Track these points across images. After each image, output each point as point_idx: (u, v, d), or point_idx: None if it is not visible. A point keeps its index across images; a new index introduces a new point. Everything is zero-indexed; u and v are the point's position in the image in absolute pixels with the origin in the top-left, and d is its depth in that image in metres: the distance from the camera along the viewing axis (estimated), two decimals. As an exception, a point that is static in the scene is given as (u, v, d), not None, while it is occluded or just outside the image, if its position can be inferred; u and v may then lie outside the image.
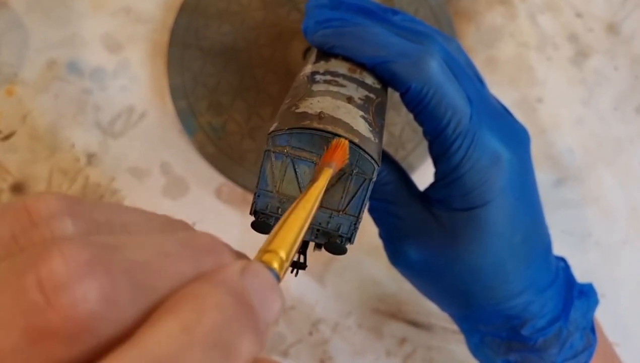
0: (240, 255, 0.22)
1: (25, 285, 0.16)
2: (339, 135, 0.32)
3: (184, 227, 0.22)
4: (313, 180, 0.28)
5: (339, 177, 0.33)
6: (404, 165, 0.54)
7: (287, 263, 0.22)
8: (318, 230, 0.35)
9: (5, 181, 0.54)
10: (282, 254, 0.22)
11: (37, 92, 0.55)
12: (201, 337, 0.17)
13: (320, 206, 0.33)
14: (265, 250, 0.22)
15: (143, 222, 0.21)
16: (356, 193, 0.34)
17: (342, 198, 0.34)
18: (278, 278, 0.21)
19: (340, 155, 0.30)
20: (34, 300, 0.16)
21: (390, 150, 0.55)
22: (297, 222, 0.24)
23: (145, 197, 0.55)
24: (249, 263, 0.20)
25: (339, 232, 0.35)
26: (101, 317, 0.16)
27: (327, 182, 0.28)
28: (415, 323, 0.55)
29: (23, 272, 0.16)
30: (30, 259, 0.17)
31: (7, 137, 0.54)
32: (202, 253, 0.20)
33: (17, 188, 0.54)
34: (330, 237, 0.35)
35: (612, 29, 0.59)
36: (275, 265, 0.21)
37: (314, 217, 0.25)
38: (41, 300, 0.16)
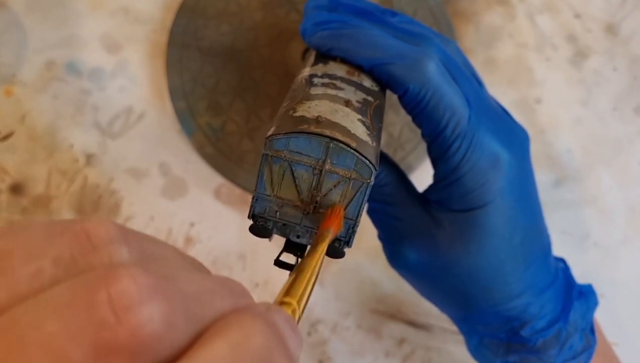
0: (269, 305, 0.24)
1: (96, 301, 0.17)
2: (337, 140, 0.32)
3: (208, 271, 0.24)
4: (314, 243, 0.31)
5: (337, 182, 0.33)
6: (402, 165, 0.54)
7: (299, 314, 0.24)
8: (316, 233, 0.35)
9: (3, 182, 0.54)
10: (295, 305, 0.24)
11: (36, 93, 0.55)
12: (249, 354, 0.19)
13: (319, 211, 0.34)
14: (280, 302, 0.24)
15: (180, 259, 0.23)
16: (354, 197, 0.34)
17: (340, 202, 0.34)
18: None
19: (337, 221, 0.33)
20: (104, 317, 0.17)
21: (389, 151, 0.55)
22: (304, 279, 0.26)
23: (144, 197, 0.55)
24: (273, 305, 0.22)
25: (337, 236, 0.35)
26: (162, 338, 0.18)
27: (327, 245, 0.31)
28: (414, 324, 0.55)
29: (94, 290, 0.17)
30: (99, 278, 0.18)
31: (6, 137, 0.54)
32: (236, 295, 0.22)
33: (16, 188, 0.54)
34: None
35: (611, 29, 0.59)
36: (290, 312, 0.24)
37: (318, 275, 0.28)
38: (111, 317, 0.17)
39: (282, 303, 0.24)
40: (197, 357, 0.18)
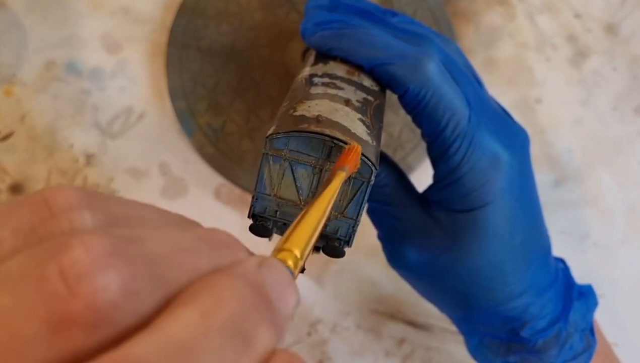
0: (253, 254, 0.22)
1: (47, 274, 0.16)
2: (337, 138, 0.32)
3: (197, 225, 0.23)
4: (326, 182, 0.28)
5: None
6: (402, 166, 0.54)
7: (302, 262, 0.23)
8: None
9: (3, 182, 0.54)
10: (297, 252, 0.22)
11: (36, 93, 0.55)
12: (220, 324, 0.17)
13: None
14: (280, 249, 0.22)
15: (158, 217, 0.21)
16: (354, 196, 0.34)
17: (340, 201, 0.34)
18: (293, 275, 0.22)
19: (353, 159, 0.31)
20: (55, 289, 0.16)
21: (389, 151, 0.55)
22: (311, 222, 0.24)
23: (144, 197, 0.55)
24: (265, 258, 0.20)
25: (337, 235, 0.35)
26: (121, 307, 0.17)
27: (340, 185, 0.28)
28: (414, 324, 0.55)
29: (45, 262, 0.17)
30: (51, 249, 0.17)
31: (6, 137, 0.54)
32: (219, 248, 0.20)
33: (16, 188, 0.54)
34: (328, 240, 0.35)
35: (611, 29, 0.59)
36: (290, 262, 0.22)
37: (328, 218, 0.26)
38: (63, 289, 0.16)
39: (282, 250, 0.22)
40: (159, 328, 0.17)
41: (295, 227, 0.24)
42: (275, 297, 0.19)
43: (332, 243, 0.35)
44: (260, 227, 0.34)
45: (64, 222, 0.18)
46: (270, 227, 0.34)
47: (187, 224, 0.22)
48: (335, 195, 0.27)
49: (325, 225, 0.34)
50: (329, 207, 0.26)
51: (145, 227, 0.20)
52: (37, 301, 0.16)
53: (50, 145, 0.55)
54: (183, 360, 0.16)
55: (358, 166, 0.31)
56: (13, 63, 0.56)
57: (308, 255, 0.23)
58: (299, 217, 0.24)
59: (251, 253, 0.22)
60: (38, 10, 0.56)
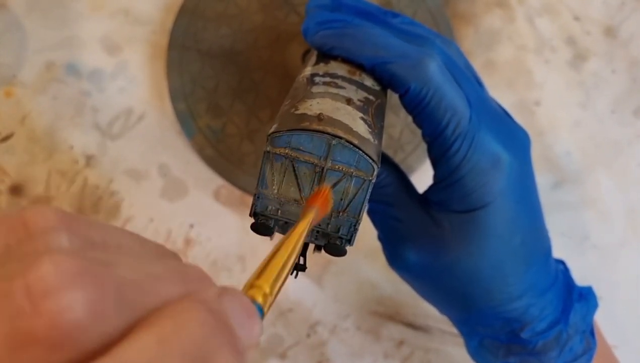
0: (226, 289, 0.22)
1: (12, 290, 0.16)
2: (339, 137, 0.32)
3: (174, 256, 0.23)
4: (298, 220, 0.29)
5: (339, 180, 0.33)
6: (402, 167, 0.54)
7: (272, 298, 0.23)
8: (318, 231, 0.35)
9: (3, 183, 0.54)
10: (266, 288, 0.23)
11: (36, 94, 0.55)
12: (177, 350, 0.17)
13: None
14: (250, 285, 0.23)
15: (137, 246, 0.21)
16: (356, 194, 0.34)
17: (341, 199, 0.34)
18: (262, 312, 0.22)
19: (323, 200, 0.32)
20: (20, 305, 0.16)
21: (389, 153, 0.55)
22: (280, 259, 0.25)
23: (144, 199, 0.55)
24: (228, 288, 0.21)
25: (339, 234, 0.35)
26: (85, 328, 0.16)
27: (309, 223, 0.29)
28: (413, 326, 0.55)
29: (12, 278, 0.16)
30: (20, 266, 0.17)
31: (6, 138, 0.54)
32: (189, 280, 0.20)
33: (16, 190, 0.54)
34: (329, 239, 0.35)
35: (610, 32, 0.59)
36: (259, 298, 0.22)
37: (297, 255, 0.26)
38: (27, 305, 0.16)
39: (252, 286, 0.23)
40: (116, 353, 0.17)
41: (266, 264, 0.24)
42: (236, 325, 0.19)
43: (333, 242, 0.35)
44: (261, 226, 0.34)
45: (39, 243, 0.18)
46: (271, 225, 0.34)
47: (164, 254, 0.22)
48: (304, 233, 0.28)
49: (327, 223, 0.34)
50: (299, 244, 0.27)
51: (121, 253, 0.20)
52: (0, 317, 0.16)
53: (50, 146, 0.55)
54: None
55: (329, 208, 0.33)
56: (13, 64, 0.56)
57: (279, 290, 0.24)
58: (270, 253, 0.25)
59: (222, 288, 0.22)
60: (38, 11, 0.56)
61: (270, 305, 0.23)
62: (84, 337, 0.16)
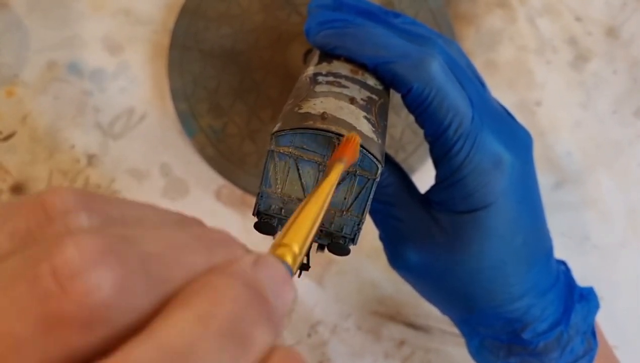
0: (251, 251, 0.22)
1: (39, 273, 0.16)
2: (343, 135, 0.32)
3: (197, 223, 0.22)
4: (325, 175, 0.28)
5: (343, 178, 0.33)
6: (403, 167, 0.54)
7: (301, 257, 0.22)
8: (321, 230, 0.35)
9: (5, 182, 0.54)
10: (295, 248, 0.22)
11: (37, 93, 0.55)
12: (216, 327, 0.17)
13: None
14: (278, 244, 0.22)
15: (157, 217, 0.21)
16: (359, 193, 0.34)
17: (345, 198, 0.34)
18: (291, 271, 0.21)
19: (351, 150, 0.30)
20: (48, 288, 0.16)
21: (391, 153, 0.55)
22: (309, 216, 0.24)
23: (145, 198, 0.55)
24: (262, 256, 0.20)
25: (342, 233, 0.35)
26: (115, 306, 0.17)
27: (338, 176, 0.28)
28: (413, 326, 0.55)
29: (37, 262, 0.16)
30: (44, 250, 0.17)
31: (7, 137, 0.54)
32: (215, 247, 0.20)
33: (17, 189, 0.54)
34: (333, 238, 0.35)
35: (612, 32, 0.59)
36: (289, 258, 0.22)
37: (327, 212, 0.25)
38: (55, 288, 0.16)
39: (280, 246, 0.22)
40: (155, 332, 0.17)
41: (294, 221, 0.23)
42: (271, 295, 0.19)
43: (337, 241, 0.35)
44: (265, 225, 0.34)
45: (60, 225, 0.18)
46: (275, 224, 0.34)
47: (186, 222, 0.22)
48: (333, 188, 0.27)
49: (330, 222, 0.34)
50: (328, 200, 0.26)
51: (141, 227, 0.20)
52: (29, 300, 0.16)
53: (51, 145, 0.55)
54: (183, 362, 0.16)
55: (357, 157, 0.31)
56: (14, 63, 0.56)
57: (308, 249, 0.23)
58: (297, 210, 0.24)
59: (248, 251, 0.22)
60: (39, 10, 0.56)
61: (299, 264, 0.22)
62: (114, 315, 0.17)
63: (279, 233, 0.23)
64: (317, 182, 0.32)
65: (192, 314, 0.17)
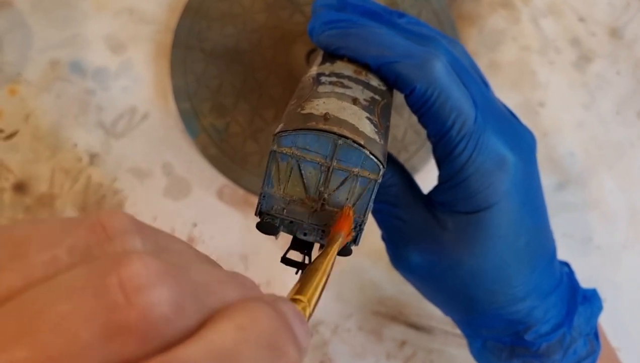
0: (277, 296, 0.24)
1: (107, 284, 0.18)
2: (345, 136, 0.32)
3: (219, 265, 0.25)
4: (327, 245, 0.31)
5: (345, 180, 0.33)
6: (406, 167, 0.54)
7: (310, 310, 0.25)
8: (323, 231, 0.35)
9: (7, 180, 0.54)
10: (306, 301, 0.25)
11: (40, 92, 0.55)
12: (255, 336, 0.19)
13: (326, 208, 0.34)
14: (292, 298, 0.25)
15: (193, 253, 0.23)
16: (361, 194, 0.34)
17: (347, 199, 0.34)
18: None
19: (348, 223, 0.33)
20: (115, 299, 0.18)
21: (393, 153, 0.55)
22: (319, 277, 0.27)
23: (147, 197, 0.55)
24: (283, 297, 0.23)
25: None
26: (171, 320, 0.18)
27: (339, 248, 0.31)
28: (415, 326, 0.55)
29: (105, 274, 0.18)
30: (112, 263, 0.18)
31: (10, 136, 0.54)
32: (246, 287, 0.22)
33: (19, 187, 0.54)
34: None
35: (615, 33, 0.59)
36: (301, 308, 0.24)
37: (327, 280, 0.28)
38: (122, 299, 0.18)
39: (293, 300, 0.24)
40: (202, 337, 0.18)
41: (303, 282, 0.26)
42: (294, 325, 0.21)
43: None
44: (267, 225, 0.34)
45: (117, 244, 0.20)
46: (277, 224, 0.34)
47: (214, 263, 0.24)
48: (334, 258, 0.30)
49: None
50: (330, 268, 0.28)
51: (185, 258, 0.22)
52: (96, 309, 0.17)
53: (54, 144, 0.55)
54: (227, 361, 0.18)
55: (352, 230, 0.34)
56: (18, 62, 0.56)
57: (314, 307, 0.26)
58: (305, 274, 0.27)
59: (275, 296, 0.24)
60: (43, 9, 0.56)
61: (309, 319, 0.25)
62: (169, 328, 0.18)
63: (291, 291, 0.26)
64: (324, 185, 0.34)
65: (234, 324, 0.19)
